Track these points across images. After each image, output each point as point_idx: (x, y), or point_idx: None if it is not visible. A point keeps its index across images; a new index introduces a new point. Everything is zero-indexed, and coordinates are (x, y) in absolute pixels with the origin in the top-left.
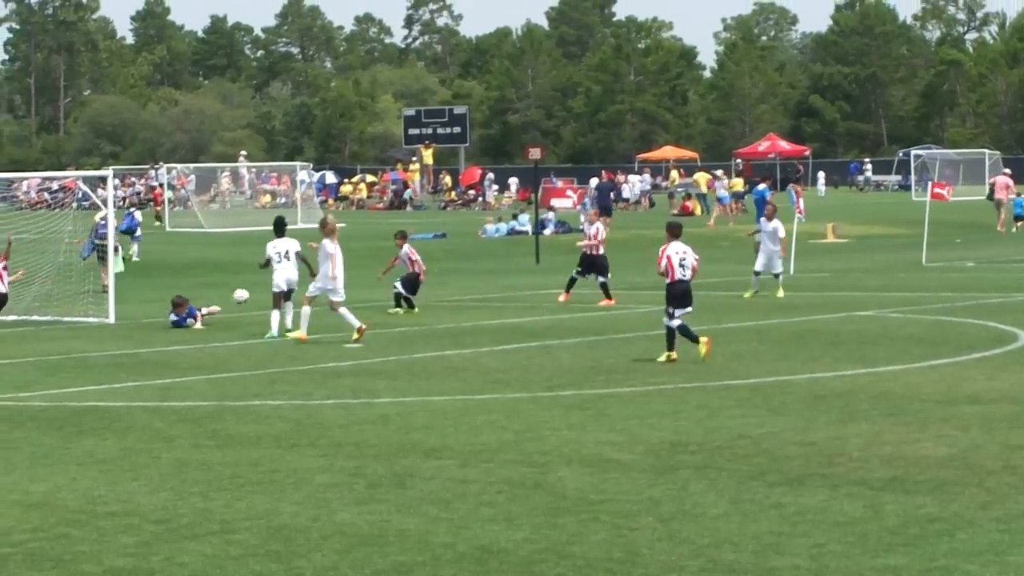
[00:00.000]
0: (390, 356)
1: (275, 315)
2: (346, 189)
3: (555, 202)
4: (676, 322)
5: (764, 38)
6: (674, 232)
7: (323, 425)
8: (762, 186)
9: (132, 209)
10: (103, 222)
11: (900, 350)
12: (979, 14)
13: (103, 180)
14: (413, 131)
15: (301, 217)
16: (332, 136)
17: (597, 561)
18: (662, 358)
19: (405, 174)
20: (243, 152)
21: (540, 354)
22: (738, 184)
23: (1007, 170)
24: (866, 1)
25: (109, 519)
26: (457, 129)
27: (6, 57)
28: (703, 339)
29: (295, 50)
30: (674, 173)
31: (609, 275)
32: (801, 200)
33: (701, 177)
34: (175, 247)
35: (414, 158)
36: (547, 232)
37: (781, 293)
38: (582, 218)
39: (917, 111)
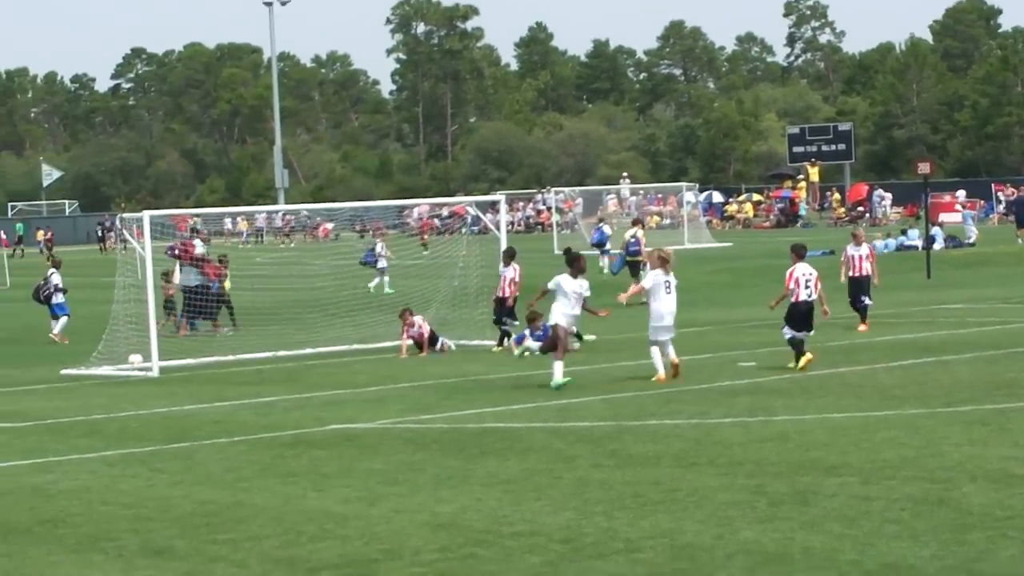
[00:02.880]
0: (784, 374)
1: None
2: (731, 208)
3: (943, 216)
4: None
5: None
6: (799, 254)
7: (722, 443)
8: None
9: (601, 224)
10: (634, 239)
11: None
12: None
13: (492, 205)
14: (797, 149)
15: (688, 238)
16: (716, 156)
17: None
18: (798, 363)
19: (796, 192)
20: (625, 174)
21: (937, 369)
22: None
23: None
24: None
25: (515, 539)
26: (842, 146)
27: (394, 87)
28: (807, 355)
29: (678, 71)
30: None
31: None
32: None
33: None
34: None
35: (800, 176)
36: (936, 247)
37: None
38: (968, 232)
39: None
